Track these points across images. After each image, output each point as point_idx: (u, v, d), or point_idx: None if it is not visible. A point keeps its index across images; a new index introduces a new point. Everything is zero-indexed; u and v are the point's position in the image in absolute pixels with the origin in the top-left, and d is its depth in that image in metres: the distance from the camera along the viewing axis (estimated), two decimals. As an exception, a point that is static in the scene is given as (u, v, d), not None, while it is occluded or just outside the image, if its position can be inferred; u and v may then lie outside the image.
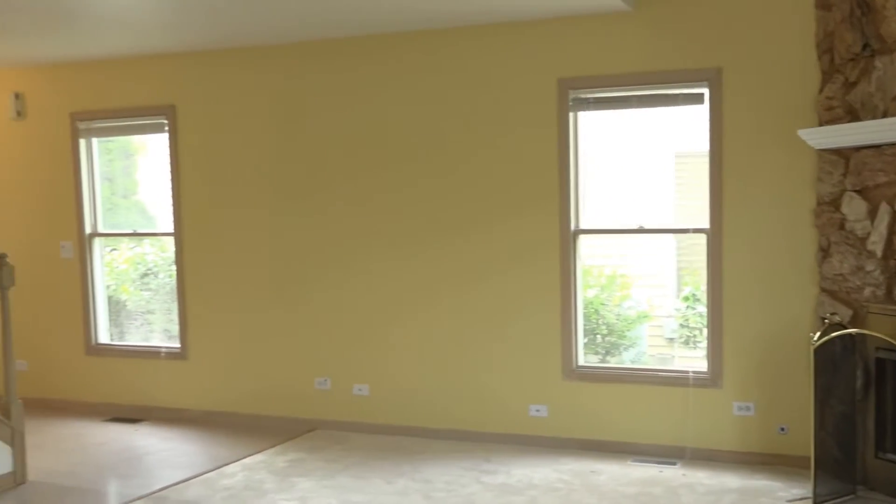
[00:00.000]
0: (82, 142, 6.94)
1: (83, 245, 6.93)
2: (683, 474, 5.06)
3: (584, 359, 5.67)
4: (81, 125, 6.91)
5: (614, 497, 4.70)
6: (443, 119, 5.81)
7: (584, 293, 5.78)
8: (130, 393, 6.79)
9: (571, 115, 5.57)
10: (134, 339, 6.95)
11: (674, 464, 5.25)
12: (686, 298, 5.76)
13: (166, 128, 6.59)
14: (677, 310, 5.85)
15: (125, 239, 7.01)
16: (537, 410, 5.67)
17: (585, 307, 5.78)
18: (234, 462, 5.42)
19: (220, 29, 5.76)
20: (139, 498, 4.81)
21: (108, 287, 7.02)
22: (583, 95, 5.55)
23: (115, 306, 7.03)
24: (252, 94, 6.31)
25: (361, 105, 5.99)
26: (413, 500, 4.69)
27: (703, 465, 5.21)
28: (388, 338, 6.01)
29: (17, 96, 7.09)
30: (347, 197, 6.07)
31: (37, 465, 5.38)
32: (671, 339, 5.86)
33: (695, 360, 5.55)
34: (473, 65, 5.72)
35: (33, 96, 7.06)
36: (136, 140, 6.94)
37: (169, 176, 6.61)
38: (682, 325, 5.81)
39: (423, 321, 5.92)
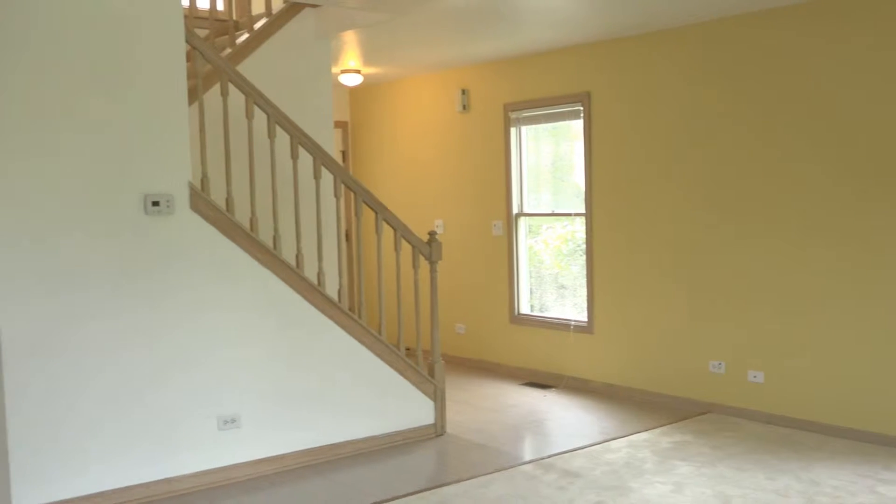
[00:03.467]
0: (513, 130, 7.41)
1: (510, 224, 7.43)
2: None
3: None
4: (512, 115, 7.38)
5: None
6: (865, 93, 5.21)
7: None
8: (544, 361, 7.17)
9: None
10: (552, 311, 7.30)
11: None
12: None
13: (581, 114, 6.78)
14: None
15: (562, 218, 7.24)
16: (951, 420, 4.91)
17: None
18: (621, 437, 5.48)
19: (636, 15, 5.76)
20: (529, 462, 5.08)
21: (541, 262, 7.41)
22: None
23: (542, 280, 7.41)
24: (662, 78, 6.20)
25: (776, 84, 5.58)
26: (792, 503, 4.35)
27: None
28: (786, 325, 5.58)
29: (463, 92, 7.77)
30: (749, 185, 5.72)
31: (457, 419, 5.96)
32: None
33: None
34: None
35: (475, 91, 7.68)
36: (575, 126, 7.14)
37: (582, 160, 6.81)
38: None
39: (823, 309, 5.39)
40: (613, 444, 5.37)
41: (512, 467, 4.99)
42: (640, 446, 5.30)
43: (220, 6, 6.37)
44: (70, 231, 4.24)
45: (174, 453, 4.57)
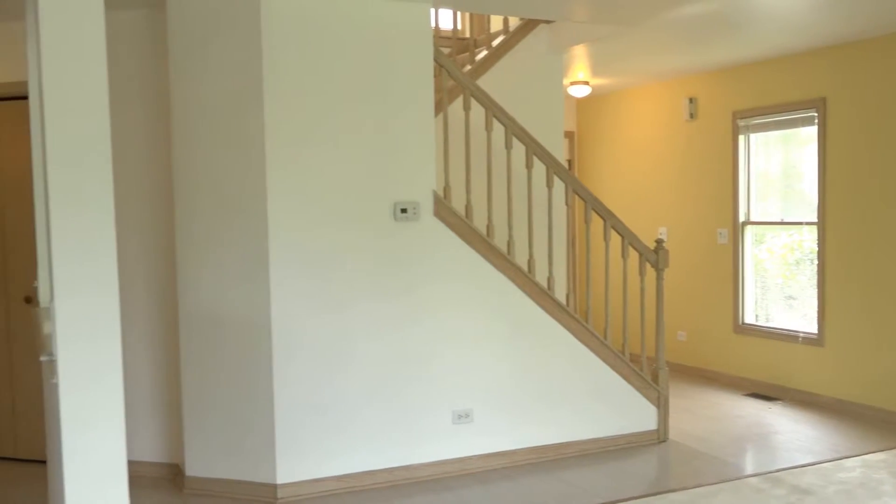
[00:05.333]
0: (741, 138, 7.12)
1: (736, 232, 7.14)
2: None
3: None
4: (741, 122, 7.10)
5: None
6: None
7: None
8: (769, 372, 6.83)
9: None
10: (777, 321, 6.94)
11: None
12: None
13: (815, 121, 6.41)
14: None
15: (789, 227, 6.85)
16: None
17: None
18: (855, 456, 5.13)
19: (882, 17, 5.38)
20: (756, 475, 4.87)
21: (766, 271, 7.08)
22: None
23: (767, 289, 7.08)
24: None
25: None
26: None
27: None
28: None
29: (690, 100, 7.57)
30: None
31: (679, 426, 5.82)
32: None
33: None
34: None
35: (703, 99, 7.46)
36: (806, 133, 6.76)
37: (815, 167, 6.44)
38: None
39: None
40: (846, 462, 5.04)
41: (738, 479, 4.80)
42: (877, 467, 4.94)
43: (460, 26, 6.56)
44: (333, 235, 4.54)
45: (414, 442, 4.78)
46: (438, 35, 6.11)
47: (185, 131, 4.54)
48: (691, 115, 7.54)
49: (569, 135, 8.83)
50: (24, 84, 4.76)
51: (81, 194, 2.27)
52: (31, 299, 5.11)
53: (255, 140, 4.38)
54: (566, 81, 7.41)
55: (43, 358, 2.70)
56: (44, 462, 4.98)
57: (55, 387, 2.42)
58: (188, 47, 4.49)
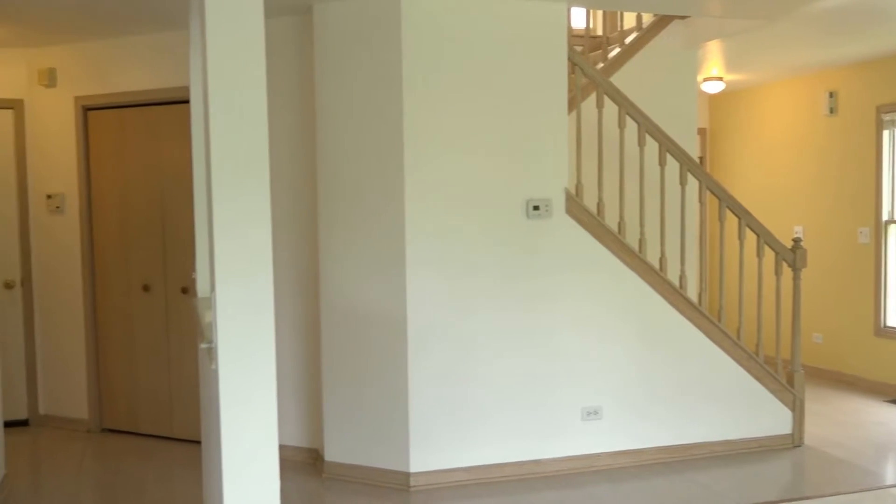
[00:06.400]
0: (885, 133, 6.76)
1: (879, 231, 6.78)
2: None
3: None
4: (885, 117, 6.73)
5: None
6: None
7: None
8: (915, 378, 6.47)
9: None
10: (925, 325, 6.57)
11: None
12: None
13: (970, 118, 6.03)
14: None
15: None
16: None
17: None
18: None
19: None
20: (899, 485, 4.66)
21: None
22: None
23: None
24: None
25: None
26: None
27: None
28: None
29: (830, 94, 7.24)
30: None
31: (815, 431, 5.59)
32: None
33: None
34: None
35: (844, 93, 7.11)
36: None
37: (969, 167, 6.06)
38: None
39: None
40: None
41: (880, 488, 4.58)
42: None
43: (592, 24, 6.50)
44: (466, 233, 4.61)
45: (543, 438, 4.78)
46: (571, 34, 6.07)
47: (329, 133, 4.69)
48: (831, 110, 7.21)
49: (701, 132, 8.60)
50: (181, 89, 5.05)
51: (241, 192, 2.38)
52: (187, 290, 5.40)
53: (395, 140, 4.49)
54: (699, 77, 7.22)
55: (203, 345, 2.85)
56: (197, 442, 5.26)
57: (215, 373, 2.55)
58: (332, 53, 4.63)
